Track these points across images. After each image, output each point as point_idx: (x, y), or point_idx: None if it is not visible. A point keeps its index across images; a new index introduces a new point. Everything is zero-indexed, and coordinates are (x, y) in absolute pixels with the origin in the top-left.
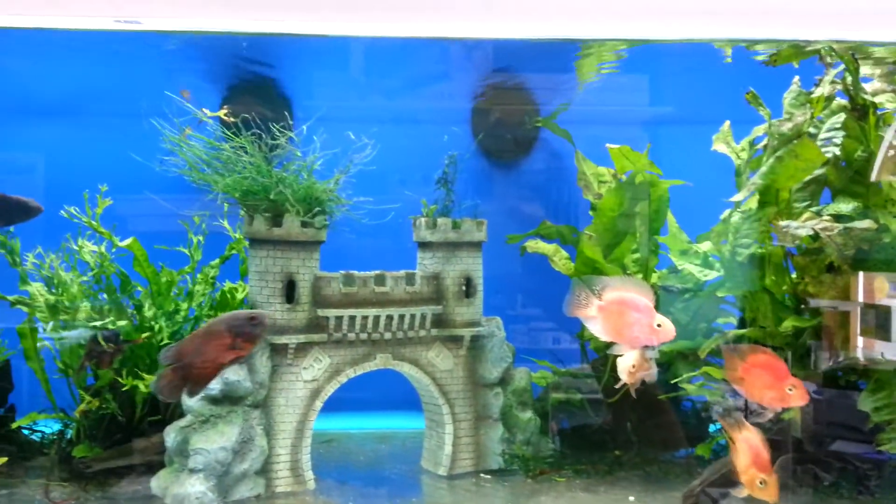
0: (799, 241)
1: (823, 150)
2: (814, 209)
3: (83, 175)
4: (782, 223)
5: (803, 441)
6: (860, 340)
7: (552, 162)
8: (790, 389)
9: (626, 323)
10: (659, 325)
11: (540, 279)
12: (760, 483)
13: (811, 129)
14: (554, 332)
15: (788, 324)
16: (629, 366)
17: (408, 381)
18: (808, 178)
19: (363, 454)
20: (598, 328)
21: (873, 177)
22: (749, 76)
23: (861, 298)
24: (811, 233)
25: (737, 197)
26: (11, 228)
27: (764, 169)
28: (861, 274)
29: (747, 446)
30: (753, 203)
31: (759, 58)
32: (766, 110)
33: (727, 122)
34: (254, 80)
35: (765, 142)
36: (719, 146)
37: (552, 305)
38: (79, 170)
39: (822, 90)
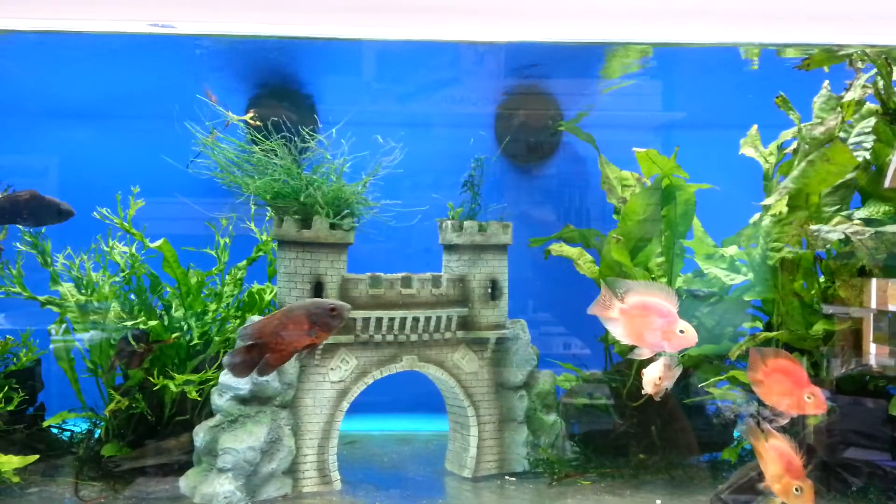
0: (829, 246)
1: (854, 153)
2: (844, 213)
3: (108, 177)
4: (813, 227)
5: (816, 448)
6: (873, 347)
7: (574, 166)
8: (808, 397)
9: (649, 327)
10: (682, 331)
11: (557, 283)
12: (796, 490)
13: (841, 134)
14: (571, 337)
15: (819, 327)
16: (655, 377)
17: (425, 383)
18: (838, 182)
19: (386, 455)
20: (619, 331)
21: (886, 183)
22: (762, 81)
23: (874, 305)
24: (842, 237)
25: (768, 200)
26: (43, 229)
27: (795, 173)
28: (874, 280)
29: (777, 454)
30: (781, 207)
31: (790, 57)
32: (795, 114)
33: (755, 126)
34: (279, 84)
35: (793, 146)
36: (747, 150)
37: (570, 309)
38: (103, 172)
39: (853, 94)
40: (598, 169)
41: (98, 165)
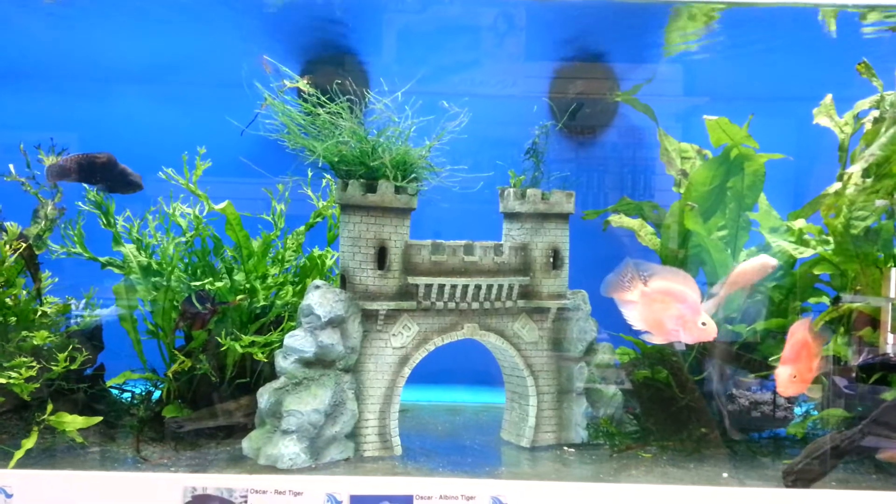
0: None
1: None
2: None
3: (154, 144)
4: None
5: None
6: (891, 337)
7: (629, 138)
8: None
9: (669, 315)
10: (703, 324)
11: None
12: (793, 377)
13: None
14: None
15: None
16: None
17: (465, 357)
18: None
19: (439, 424)
20: (635, 314)
21: None
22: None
23: (892, 294)
24: None
25: (852, 169)
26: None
27: (883, 140)
28: (893, 269)
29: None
30: (857, 177)
31: (866, 25)
32: (878, 81)
33: (829, 96)
34: (332, 51)
35: (871, 115)
36: (821, 119)
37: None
38: (149, 139)
39: None
40: (651, 141)
41: (144, 131)
